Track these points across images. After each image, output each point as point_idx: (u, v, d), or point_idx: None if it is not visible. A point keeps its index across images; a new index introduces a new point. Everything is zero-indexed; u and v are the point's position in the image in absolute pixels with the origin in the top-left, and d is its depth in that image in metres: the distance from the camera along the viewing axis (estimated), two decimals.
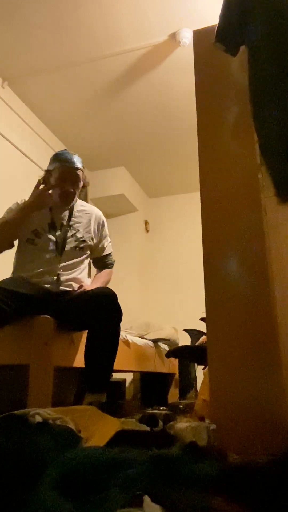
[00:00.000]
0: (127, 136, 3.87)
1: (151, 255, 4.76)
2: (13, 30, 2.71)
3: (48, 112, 3.54)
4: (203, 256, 1.22)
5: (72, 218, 1.96)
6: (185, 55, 2.84)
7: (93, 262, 2.12)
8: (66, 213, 1.97)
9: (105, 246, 2.08)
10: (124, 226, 4.66)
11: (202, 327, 2.68)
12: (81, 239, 1.94)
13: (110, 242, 2.13)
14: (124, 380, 3.49)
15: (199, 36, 1.45)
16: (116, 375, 3.31)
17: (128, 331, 2.80)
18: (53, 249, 1.86)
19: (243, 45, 1.26)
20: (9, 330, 1.70)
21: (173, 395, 3.23)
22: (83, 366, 1.67)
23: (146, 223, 4.90)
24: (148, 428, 1.23)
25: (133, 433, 1.14)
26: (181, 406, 2.33)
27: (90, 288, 1.85)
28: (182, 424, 1.14)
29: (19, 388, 1.63)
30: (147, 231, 4.89)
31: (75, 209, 2.00)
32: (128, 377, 3.65)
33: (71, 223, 1.95)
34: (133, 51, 2.89)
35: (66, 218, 1.96)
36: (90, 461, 0.74)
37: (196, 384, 3.37)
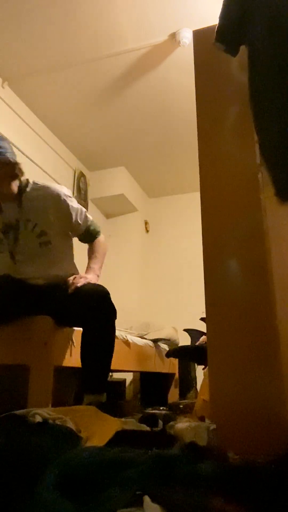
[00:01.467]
0: (127, 136, 3.87)
1: (151, 255, 4.76)
2: (13, 30, 2.71)
3: (48, 112, 3.54)
4: (203, 256, 1.22)
5: (23, 210, 1.72)
6: (185, 55, 2.84)
7: (79, 240, 1.96)
8: (16, 207, 1.72)
9: (80, 221, 1.85)
10: (124, 226, 4.66)
11: (202, 327, 2.68)
12: (41, 233, 1.73)
13: (85, 212, 1.89)
14: (124, 380, 3.49)
15: (199, 36, 1.45)
16: (116, 375, 3.31)
17: (128, 331, 2.80)
18: (9, 254, 1.72)
19: (243, 45, 1.26)
20: (9, 330, 1.71)
21: (173, 395, 3.23)
22: None
23: (146, 223, 4.90)
24: (148, 428, 1.23)
25: (133, 433, 1.14)
26: (181, 406, 2.33)
27: (87, 277, 1.76)
28: (182, 424, 1.14)
29: (19, 388, 1.63)
30: (147, 231, 4.89)
31: (26, 198, 1.73)
32: (128, 377, 3.65)
33: (25, 216, 1.71)
34: (133, 51, 2.89)
35: (16, 213, 1.72)
36: (90, 461, 0.74)
37: (196, 384, 3.37)
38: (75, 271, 1.89)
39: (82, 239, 1.96)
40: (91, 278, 1.78)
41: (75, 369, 1.80)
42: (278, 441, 0.96)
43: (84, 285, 1.70)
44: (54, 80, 3.19)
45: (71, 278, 1.74)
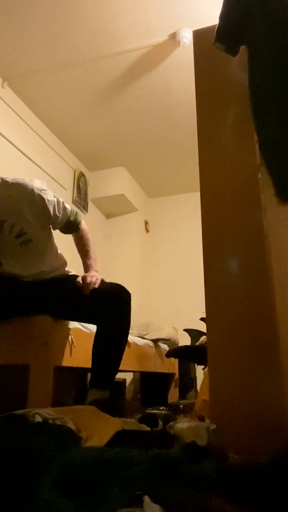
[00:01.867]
0: (127, 136, 3.87)
1: (151, 255, 4.76)
2: (13, 30, 2.71)
3: (48, 112, 3.54)
4: (203, 256, 1.22)
5: None
6: (185, 55, 2.84)
7: (62, 232, 1.88)
8: None
9: (58, 214, 1.76)
10: (124, 226, 4.66)
11: (202, 327, 2.68)
12: (20, 233, 1.65)
13: (62, 203, 1.79)
14: (124, 380, 3.49)
15: (199, 36, 1.45)
16: (116, 375, 3.31)
17: None
18: None
19: (243, 45, 1.26)
20: (9, 330, 1.71)
21: (173, 395, 3.23)
22: (83, 366, 1.67)
23: (146, 223, 4.90)
24: (148, 428, 1.23)
25: (133, 433, 1.14)
26: (181, 406, 2.33)
27: (96, 275, 1.73)
28: (182, 424, 1.14)
29: (19, 388, 1.63)
30: (147, 231, 4.89)
31: None
32: (128, 377, 3.65)
33: (1, 218, 1.62)
34: (133, 51, 2.89)
35: None
36: (90, 461, 0.74)
37: (196, 384, 3.37)
38: (62, 263, 1.86)
39: (64, 231, 1.87)
40: (99, 276, 1.76)
41: (75, 369, 1.80)
42: (278, 441, 0.96)
43: (100, 284, 1.68)
44: (54, 80, 3.19)
45: (80, 278, 1.70)
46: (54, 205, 1.73)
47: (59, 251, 1.88)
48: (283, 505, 0.61)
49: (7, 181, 1.66)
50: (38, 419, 1.06)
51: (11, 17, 2.61)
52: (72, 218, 1.82)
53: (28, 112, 3.46)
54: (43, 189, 1.70)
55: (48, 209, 1.69)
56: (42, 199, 1.68)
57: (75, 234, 1.89)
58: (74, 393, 2.08)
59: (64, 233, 1.89)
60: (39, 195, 1.67)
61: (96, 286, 1.66)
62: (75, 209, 1.87)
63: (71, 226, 1.85)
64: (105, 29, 2.72)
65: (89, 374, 1.62)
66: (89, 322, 1.81)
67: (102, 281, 1.72)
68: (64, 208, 1.79)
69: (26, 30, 2.70)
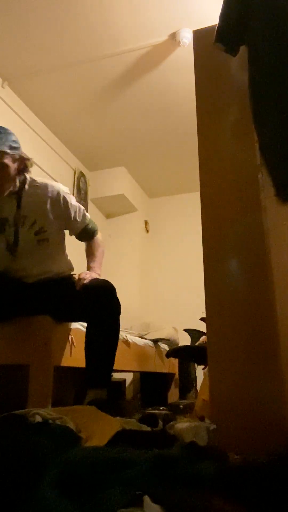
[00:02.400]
0: (127, 136, 3.87)
1: (151, 255, 4.76)
2: (13, 30, 2.71)
3: (48, 112, 3.54)
4: (203, 256, 1.22)
5: (21, 207, 1.69)
6: (185, 55, 2.84)
7: (77, 239, 1.94)
8: (14, 203, 1.69)
9: (78, 220, 1.84)
10: (124, 226, 4.66)
11: (202, 327, 2.68)
12: (40, 230, 1.71)
13: (83, 210, 1.88)
14: (124, 380, 3.49)
15: (199, 36, 1.45)
16: (116, 375, 3.31)
17: (128, 331, 2.80)
18: (3, 250, 1.70)
19: (243, 45, 1.26)
20: (9, 330, 1.71)
21: (173, 395, 3.23)
22: (83, 366, 1.67)
23: (146, 223, 4.90)
24: (149, 428, 1.23)
25: (133, 433, 1.14)
26: (181, 406, 2.33)
27: (92, 275, 1.76)
28: (182, 424, 1.14)
29: (19, 388, 1.63)
30: (147, 231, 4.89)
31: (24, 194, 1.71)
32: (128, 377, 3.65)
33: (23, 213, 1.69)
34: (133, 51, 2.89)
35: (14, 209, 1.69)
36: (90, 461, 0.74)
37: (196, 384, 3.37)
38: (70, 267, 1.90)
39: (79, 237, 1.93)
40: (95, 275, 1.79)
41: (75, 369, 1.80)
42: (278, 441, 0.96)
43: (90, 281, 1.71)
44: (54, 80, 3.19)
45: (77, 276, 1.74)
46: (76, 210, 1.83)
47: (68, 257, 1.93)
48: (283, 505, 0.61)
49: (36, 180, 1.77)
50: (38, 419, 1.06)
51: (11, 18, 2.61)
52: (89, 226, 1.90)
53: (28, 112, 3.46)
54: (68, 193, 1.82)
55: (69, 212, 1.80)
56: (66, 201, 1.78)
57: (88, 243, 1.95)
58: (74, 393, 2.08)
59: (79, 240, 1.95)
60: (64, 197, 1.78)
61: (86, 282, 1.68)
62: (95, 220, 1.97)
63: (87, 234, 1.92)
64: (105, 29, 2.72)
65: None
66: (83, 321, 1.81)
67: (93, 279, 1.73)
68: (84, 215, 1.89)
69: (26, 30, 2.71)
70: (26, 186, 1.73)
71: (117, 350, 1.68)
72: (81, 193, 4.15)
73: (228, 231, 1.21)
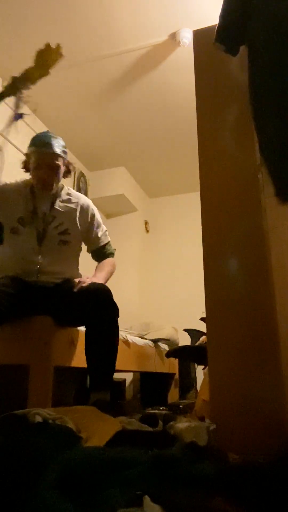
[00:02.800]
0: (127, 136, 3.87)
1: (151, 255, 4.76)
2: (13, 30, 2.71)
3: (48, 112, 3.54)
4: (203, 256, 1.22)
5: (54, 207, 1.85)
6: (185, 55, 2.84)
7: (92, 256, 2.04)
8: (49, 202, 1.86)
9: (99, 236, 1.97)
10: (124, 226, 4.65)
11: (202, 327, 2.68)
12: (64, 231, 1.84)
13: (106, 231, 2.02)
14: (124, 380, 3.49)
15: (199, 36, 1.45)
16: (116, 375, 3.30)
17: (128, 331, 2.80)
18: (33, 240, 1.79)
19: (243, 45, 1.26)
20: (9, 330, 1.70)
21: (173, 395, 3.23)
22: (83, 366, 1.66)
23: (146, 223, 4.90)
24: (150, 428, 1.23)
25: (133, 433, 1.14)
26: (181, 406, 2.33)
27: (95, 278, 1.80)
28: (182, 424, 1.14)
29: (19, 388, 1.63)
30: (147, 231, 4.89)
31: (59, 198, 1.88)
32: (128, 377, 3.65)
33: (53, 213, 1.84)
34: (133, 51, 2.89)
35: (48, 207, 1.85)
36: (90, 461, 0.74)
37: (196, 384, 3.37)
38: (79, 276, 1.94)
39: (95, 254, 2.02)
40: (95, 280, 1.81)
41: (75, 369, 1.80)
42: (278, 441, 0.96)
43: (87, 284, 1.73)
44: (54, 80, 3.19)
45: (77, 279, 1.77)
46: (99, 226, 1.98)
47: (79, 271, 1.99)
48: (283, 505, 0.61)
49: (70, 189, 1.98)
50: (38, 419, 1.06)
51: (11, 17, 2.61)
52: (107, 246, 2.01)
53: (28, 112, 3.46)
54: (97, 210, 2.00)
55: (93, 226, 1.95)
56: (93, 214, 1.96)
57: (101, 260, 2.02)
58: (74, 393, 2.08)
59: (94, 257, 2.04)
60: (92, 210, 1.96)
61: (84, 285, 1.71)
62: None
63: (102, 253, 2.01)
64: (105, 29, 2.72)
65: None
66: (81, 325, 1.81)
67: (90, 283, 1.75)
68: (105, 235, 2.02)
69: (26, 30, 2.70)
70: (62, 192, 1.91)
71: (117, 346, 1.68)
72: (81, 193, 4.15)
73: (228, 231, 1.21)
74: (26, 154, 1.89)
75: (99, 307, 1.63)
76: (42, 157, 1.80)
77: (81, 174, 4.22)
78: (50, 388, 1.57)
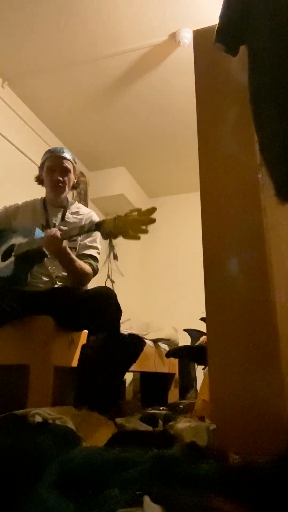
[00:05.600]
0: (127, 136, 3.87)
1: (151, 255, 4.75)
2: (13, 30, 2.71)
3: (48, 112, 3.54)
4: (203, 256, 1.22)
5: (65, 219, 1.95)
6: (185, 55, 2.84)
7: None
8: (60, 214, 1.97)
9: (88, 244, 1.93)
10: None
11: (202, 327, 2.68)
12: (73, 239, 1.89)
13: (100, 249, 1.99)
14: (124, 380, 3.48)
15: (199, 36, 1.45)
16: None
17: (128, 331, 2.79)
18: None
19: (243, 45, 1.26)
20: (9, 330, 1.70)
21: (173, 395, 3.23)
22: None
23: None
24: (151, 428, 1.23)
25: (133, 433, 1.14)
26: (181, 406, 2.33)
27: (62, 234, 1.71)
28: (182, 424, 1.14)
29: (19, 388, 1.63)
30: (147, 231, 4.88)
31: (69, 211, 1.99)
32: (128, 377, 3.64)
33: (64, 224, 1.92)
34: (133, 51, 2.89)
35: (59, 219, 1.95)
36: (90, 461, 0.74)
37: (196, 384, 3.37)
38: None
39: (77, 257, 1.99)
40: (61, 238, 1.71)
41: (75, 369, 1.80)
42: (278, 441, 0.96)
43: (90, 289, 1.79)
44: (54, 80, 3.19)
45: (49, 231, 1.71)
46: (95, 241, 1.97)
47: None
48: (283, 505, 0.61)
49: (77, 203, 2.10)
50: (38, 419, 1.06)
51: (12, 18, 2.61)
52: (90, 258, 1.92)
53: (28, 112, 3.46)
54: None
55: (90, 236, 1.96)
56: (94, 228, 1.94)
57: None
58: (74, 393, 2.07)
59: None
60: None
61: (52, 233, 1.66)
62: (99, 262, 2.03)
63: (81, 258, 1.91)
64: (105, 29, 2.72)
65: None
66: (82, 330, 1.81)
67: (94, 288, 1.77)
68: (95, 250, 1.97)
69: (26, 30, 2.70)
70: (72, 206, 2.03)
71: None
72: (81, 193, 4.15)
73: (228, 231, 1.21)
74: (39, 167, 2.03)
75: (105, 310, 1.62)
76: (55, 160, 1.93)
77: (81, 174, 4.22)
78: (50, 388, 1.57)
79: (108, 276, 1.88)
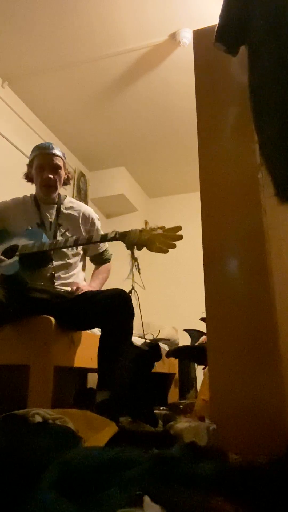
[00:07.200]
0: (127, 136, 3.87)
1: (151, 255, 4.74)
2: (13, 30, 2.71)
3: (48, 112, 3.54)
4: (203, 256, 1.22)
5: (60, 215, 1.91)
6: (185, 55, 2.84)
7: (90, 260, 2.10)
8: (54, 211, 1.92)
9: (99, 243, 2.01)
10: (124, 226, 4.63)
11: (202, 327, 2.68)
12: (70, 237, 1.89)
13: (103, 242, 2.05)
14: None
15: (199, 36, 1.45)
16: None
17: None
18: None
19: (243, 45, 1.26)
20: (9, 330, 1.70)
21: (173, 395, 3.23)
22: (83, 366, 1.66)
23: (146, 223, 4.88)
24: (152, 428, 1.23)
25: (133, 433, 1.14)
26: (181, 406, 2.33)
27: (91, 288, 1.84)
28: (182, 424, 1.14)
29: (19, 388, 1.63)
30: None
31: (63, 206, 1.95)
32: None
33: (59, 221, 1.90)
34: (133, 51, 2.89)
35: (53, 216, 1.91)
36: (90, 461, 0.74)
37: (196, 384, 3.37)
38: (83, 278, 2.00)
39: (93, 260, 2.10)
40: (91, 289, 1.86)
41: (75, 369, 1.80)
42: (278, 441, 0.96)
43: (92, 287, 1.84)
44: (54, 80, 3.19)
45: (74, 287, 1.82)
46: (99, 232, 2.00)
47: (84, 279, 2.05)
48: (282, 505, 0.61)
49: (72, 198, 2.05)
50: (38, 419, 1.06)
51: (12, 18, 2.61)
52: (105, 253, 2.08)
53: (28, 112, 3.46)
54: (98, 219, 2.06)
55: (94, 232, 1.99)
56: (93, 222, 2.01)
57: (97, 267, 2.11)
58: (74, 393, 2.08)
59: (92, 261, 2.11)
60: (93, 218, 2.02)
61: (79, 292, 1.78)
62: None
63: (100, 259, 2.08)
64: (105, 29, 2.72)
65: (89, 374, 1.61)
66: (94, 327, 1.84)
67: (102, 291, 1.81)
68: (104, 243, 2.05)
69: (26, 30, 2.70)
70: (65, 201, 1.98)
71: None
72: (81, 193, 4.15)
73: (228, 231, 1.21)
74: (28, 165, 1.95)
75: (119, 310, 1.66)
76: (44, 158, 1.87)
77: (81, 174, 4.22)
78: (50, 388, 1.57)
79: (132, 288, 1.91)
